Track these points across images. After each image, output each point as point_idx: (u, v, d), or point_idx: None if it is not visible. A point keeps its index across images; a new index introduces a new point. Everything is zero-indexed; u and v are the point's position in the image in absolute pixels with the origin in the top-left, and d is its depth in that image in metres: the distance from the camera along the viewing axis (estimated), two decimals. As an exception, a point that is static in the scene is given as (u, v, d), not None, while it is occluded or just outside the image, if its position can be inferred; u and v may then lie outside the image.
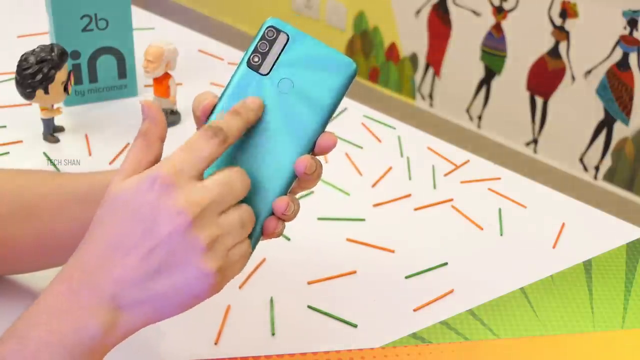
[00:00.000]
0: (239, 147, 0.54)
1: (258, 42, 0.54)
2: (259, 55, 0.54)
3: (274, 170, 0.53)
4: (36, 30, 1.17)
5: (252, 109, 0.53)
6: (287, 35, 0.54)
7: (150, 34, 1.22)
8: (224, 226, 0.50)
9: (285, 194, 0.54)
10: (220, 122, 0.51)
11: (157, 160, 0.52)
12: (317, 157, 0.57)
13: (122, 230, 0.49)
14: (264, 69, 0.54)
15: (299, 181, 0.56)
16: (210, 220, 0.49)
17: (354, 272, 0.78)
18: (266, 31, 0.54)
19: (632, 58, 1.96)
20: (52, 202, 0.65)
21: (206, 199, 0.49)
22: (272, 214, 0.54)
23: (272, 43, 0.54)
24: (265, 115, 0.54)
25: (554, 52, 2.10)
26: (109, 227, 0.49)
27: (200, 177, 0.50)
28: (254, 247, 0.54)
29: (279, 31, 0.54)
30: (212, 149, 0.50)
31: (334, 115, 0.54)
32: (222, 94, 0.55)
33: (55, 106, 0.95)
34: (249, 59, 0.54)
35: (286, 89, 0.54)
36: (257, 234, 0.53)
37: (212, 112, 0.54)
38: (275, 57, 0.54)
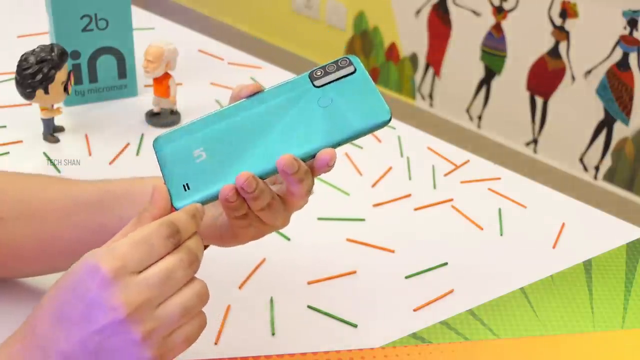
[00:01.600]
0: (249, 125, 0.57)
1: (329, 63, 0.59)
2: (323, 72, 0.58)
3: (263, 156, 0.56)
4: (36, 30, 1.17)
5: (202, 217, 0.54)
6: (354, 69, 0.58)
7: (150, 34, 1.22)
8: (160, 318, 0.50)
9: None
10: (179, 222, 0.51)
11: None
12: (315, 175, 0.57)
13: (67, 306, 0.49)
14: (318, 82, 0.58)
15: (287, 184, 0.56)
16: (146, 314, 0.49)
17: (354, 272, 0.78)
18: (341, 59, 0.59)
19: (632, 58, 1.96)
20: (57, 207, 0.65)
21: (143, 296, 0.49)
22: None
23: (339, 68, 0.58)
24: (289, 114, 0.57)
25: (554, 52, 2.10)
26: (58, 298, 0.50)
27: (144, 268, 0.50)
28: (203, 203, 0.55)
29: (350, 63, 0.58)
30: (164, 250, 0.50)
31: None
32: (271, 87, 0.58)
33: (55, 106, 0.95)
34: (313, 71, 0.58)
35: (323, 104, 0.57)
36: (212, 193, 0.55)
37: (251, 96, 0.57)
38: (333, 79, 0.58)
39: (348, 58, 0.59)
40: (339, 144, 0.57)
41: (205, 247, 0.64)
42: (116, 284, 0.48)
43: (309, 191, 0.57)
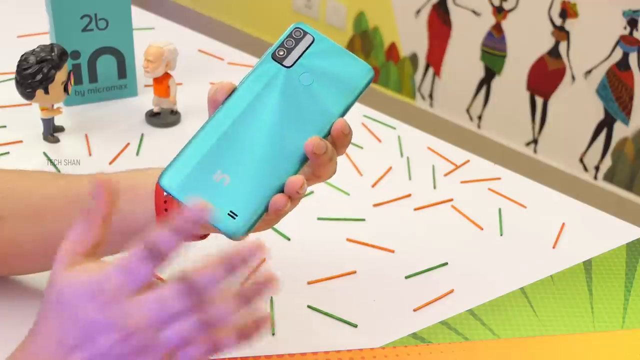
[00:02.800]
0: (253, 129, 0.56)
1: (285, 39, 0.58)
2: (285, 50, 0.58)
3: (287, 152, 0.56)
4: (36, 30, 1.17)
5: (190, 226, 0.50)
6: (313, 37, 0.58)
7: (150, 34, 1.22)
8: (161, 342, 0.49)
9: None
10: (161, 243, 0.49)
11: (96, 243, 0.51)
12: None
13: (64, 330, 0.49)
14: (288, 61, 0.57)
15: (312, 165, 0.57)
16: (148, 338, 0.49)
17: (354, 272, 0.78)
18: (293, 30, 0.58)
19: (632, 58, 1.95)
20: (56, 204, 0.65)
21: (143, 321, 0.48)
22: (281, 192, 0.55)
23: (298, 41, 0.58)
24: (282, 103, 0.57)
25: (554, 52, 2.10)
26: (53, 324, 0.50)
27: (140, 292, 0.49)
28: (253, 225, 0.54)
29: (305, 32, 0.58)
30: (149, 272, 0.49)
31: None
32: (243, 81, 0.57)
33: (55, 106, 0.95)
34: (274, 52, 0.57)
35: (306, 82, 0.57)
36: (260, 211, 0.55)
37: (229, 95, 0.57)
38: (300, 53, 0.57)
39: (300, 28, 0.58)
40: (342, 114, 0.57)
41: (205, 236, 0.64)
42: (118, 305, 0.48)
43: (334, 159, 0.58)
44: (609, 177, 2.12)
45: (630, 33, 1.94)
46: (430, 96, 2.43)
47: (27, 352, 0.51)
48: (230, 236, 0.54)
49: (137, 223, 0.63)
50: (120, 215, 0.62)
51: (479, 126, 2.35)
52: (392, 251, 0.81)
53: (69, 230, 0.52)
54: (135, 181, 0.65)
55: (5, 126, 0.98)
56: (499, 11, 2.16)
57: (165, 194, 0.62)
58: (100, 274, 0.49)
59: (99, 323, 0.48)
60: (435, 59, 2.37)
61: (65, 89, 0.92)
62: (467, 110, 2.36)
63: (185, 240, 0.49)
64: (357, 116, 1.05)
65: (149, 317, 0.49)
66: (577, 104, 2.10)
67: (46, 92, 0.90)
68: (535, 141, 2.24)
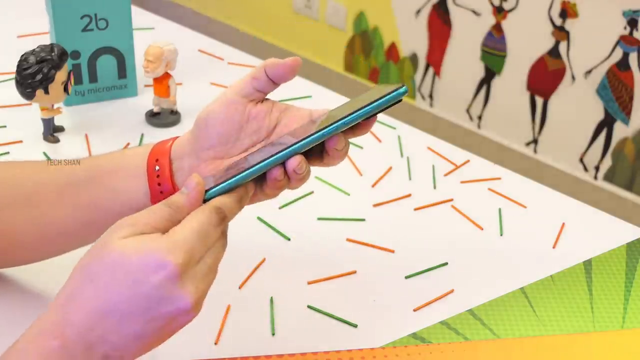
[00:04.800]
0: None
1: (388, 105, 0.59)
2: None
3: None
4: (36, 30, 1.17)
5: (250, 194, 0.57)
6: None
7: (150, 34, 1.22)
8: (210, 279, 0.53)
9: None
10: (225, 207, 0.53)
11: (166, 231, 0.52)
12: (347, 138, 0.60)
13: (120, 299, 0.49)
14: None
15: (291, 181, 0.59)
16: (203, 299, 0.52)
17: (354, 272, 0.78)
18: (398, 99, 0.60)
19: (632, 58, 1.95)
20: (50, 189, 0.65)
21: (204, 284, 0.51)
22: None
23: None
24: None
25: (554, 52, 2.10)
26: (104, 290, 0.49)
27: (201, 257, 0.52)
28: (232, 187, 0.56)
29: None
30: (216, 236, 0.53)
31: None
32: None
33: (55, 106, 0.95)
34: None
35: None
36: (244, 176, 0.56)
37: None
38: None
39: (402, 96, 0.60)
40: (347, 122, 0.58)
41: None
42: (185, 277, 0.50)
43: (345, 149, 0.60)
44: (609, 177, 2.11)
45: (630, 33, 1.94)
46: (430, 96, 2.43)
47: (70, 318, 0.50)
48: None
49: (130, 201, 0.63)
50: (114, 194, 0.62)
51: (479, 126, 2.35)
52: (392, 251, 0.81)
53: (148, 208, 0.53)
54: (124, 159, 0.65)
55: (5, 126, 0.98)
56: (499, 11, 2.16)
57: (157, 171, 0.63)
58: (173, 239, 0.50)
59: (163, 293, 0.49)
60: (435, 59, 2.37)
61: (65, 89, 0.92)
62: (467, 110, 2.36)
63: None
64: (357, 116, 1.05)
65: (209, 279, 0.52)
66: (577, 104, 2.10)
67: (46, 92, 0.90)
68: (535, 141, 2.24)
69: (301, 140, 0.57)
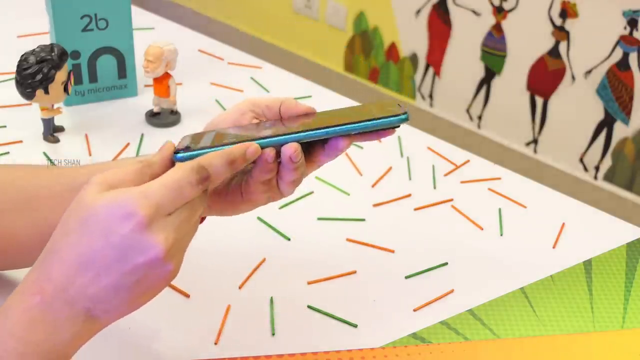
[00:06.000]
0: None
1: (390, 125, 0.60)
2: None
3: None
4: (36, 30, 1.17)
5: (247, 160, 0.56)
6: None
7: (150, 34, 1.22)
8: (184, 232, 0.53)
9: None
10: (210, 167, 0.53)
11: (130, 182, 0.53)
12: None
13: (93, 250, 0.50)
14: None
15: (282, 168, 0.60)
16: (177, 250, 0.52)
17: (354, 272, 0.78)
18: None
19: (632, 58, 1.95)
20: (50, 193, 0.65)
21: (175, 235, 0.51)
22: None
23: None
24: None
25: (554, 52, 2.10)
26: (79, 243, 0.50)
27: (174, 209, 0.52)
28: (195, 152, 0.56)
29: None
30: (194, 194, 0.52)
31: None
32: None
33: (55, 106, 0.95)
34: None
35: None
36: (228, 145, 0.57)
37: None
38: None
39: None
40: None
41: (202, 219, 0.65)
42: (152, 227, 0.50)
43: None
44: (609, 177, 2.11)
45: (630, 33, 1.94)
46: (430, 96, 2.43)
47: (48, 274, 0.51)
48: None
49: None
50: None
51: (479, 126, 2.35)
52: (392, 251, 0.81)
53: (117, 159, 0.55)
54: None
55: (5, 126, 0.98)
56: (499, 11, 2.16)
57: None
58: (142, 191, 0.51)
59: (132, 241, 0.50)
60: (435, 59, 2.37)
61: (65, 89, 0.92)
62: (467, 110, 2.36)
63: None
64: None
65: (181, 230, 0.52)
66: (577, 104, 2.10)
67: (46, 92, 0.90)
68: (535, 141, 2.24)
69: (300, 132, 0.58)
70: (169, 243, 0.50)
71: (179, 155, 0.56)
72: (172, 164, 0.55)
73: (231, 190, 0.62)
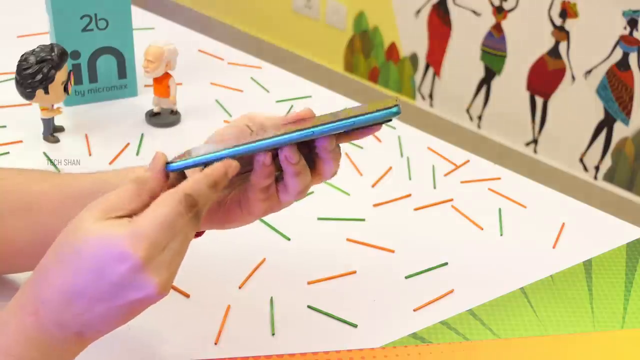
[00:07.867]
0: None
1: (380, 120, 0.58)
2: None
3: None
4: (36, 30, 1.17)
5: (228, 177, 0.55)
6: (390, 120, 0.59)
7: (150, 34, 1.22)
8: (177, 263, 0.53)
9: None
10: (195, 193, 0.52)
11: (138, 211, 0.52)
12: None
13: (86, 282, 0.50)
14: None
15: (286, 174, 0.59)
16: (171, 281, 0.52)
17: (354, 272, 0.78)
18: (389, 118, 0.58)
19: (632, 58, 1.95)
20: (52, 199, 0.65)
21: (171, 270, 0.52)
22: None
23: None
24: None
25: (554, 52, 2.10)
26: (73, 274, 0.51)
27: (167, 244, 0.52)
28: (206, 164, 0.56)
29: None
30: (185, 223, 0.52)
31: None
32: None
33: (55, 106, 0.95)
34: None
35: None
36: (220, 155, 0.55)
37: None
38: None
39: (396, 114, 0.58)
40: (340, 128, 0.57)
41: (200, 234, 0.64)
42: (148, 268, 0.50)
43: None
44: (609, 177, 2.11)
45: (630, 33, 1.94)
46: (430, 96, 2.43)
47: (42, 297, 0.51)
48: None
49: None
50: None
51: (479, 126, 2.35)
52: (392, 251, 0.81)
53: (113, 192, 0.54)
54: (129, 177, 0.65)
55: (5, 126, 0.98)
56: (499, 11, 2.16)
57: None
58: (135, 230, 0.50)
59: (128, 282, 0.50)
60: (435, 59, 2.37)
61: (65, 89, 0.92)
62: (467, 110, 2.36)
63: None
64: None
65: (176, 263, 0.52)
66: (577, 104, 2.10)
67: (46, 92, 0.90)
68: (535, 141, 2.24)
69: (284, 134, 0.56)
70: (164, 279, 0.51)
71: (172, 165, 0.55)
72: (165, 175, 0.55)
73: (230, 203, 0.62)
